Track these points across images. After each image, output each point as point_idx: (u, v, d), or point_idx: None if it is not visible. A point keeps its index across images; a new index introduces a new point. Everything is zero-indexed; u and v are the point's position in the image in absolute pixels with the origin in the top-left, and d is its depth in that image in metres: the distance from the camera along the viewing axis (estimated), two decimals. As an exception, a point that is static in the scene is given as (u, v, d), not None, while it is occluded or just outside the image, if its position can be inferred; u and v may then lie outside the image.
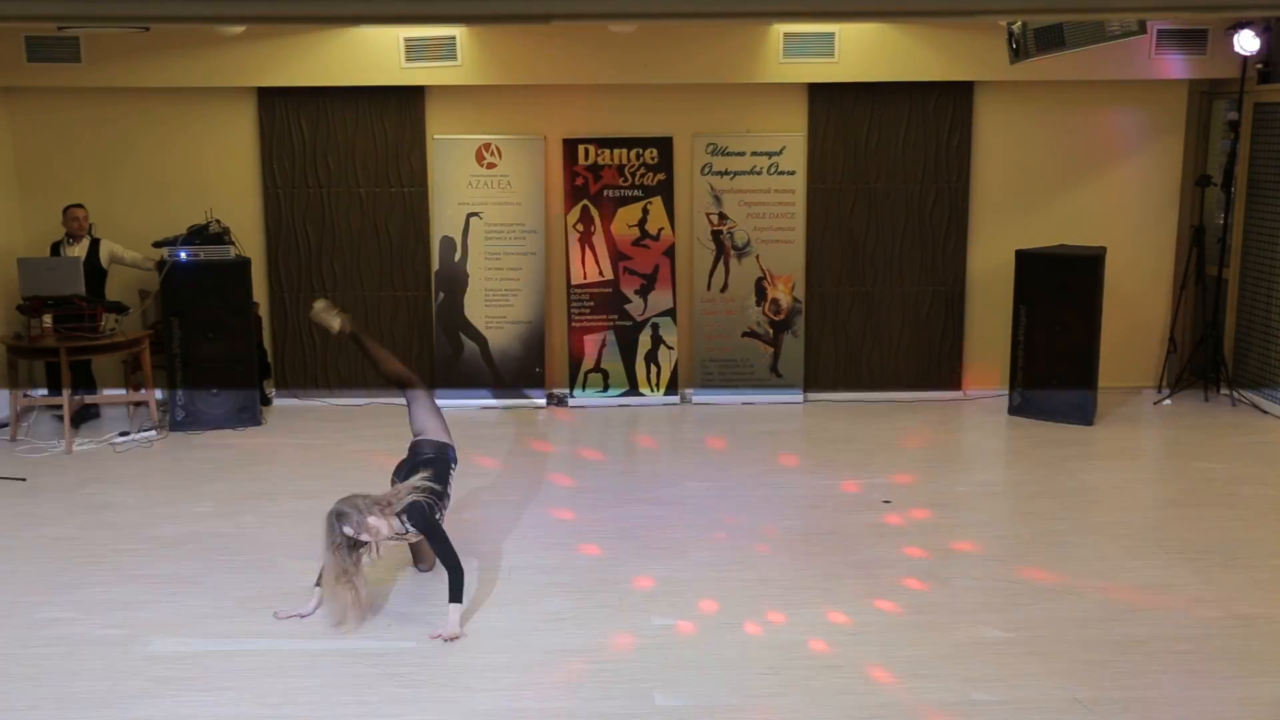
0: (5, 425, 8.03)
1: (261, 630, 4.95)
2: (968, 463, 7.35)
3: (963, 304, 9.00)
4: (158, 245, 8.19)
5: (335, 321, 5.63)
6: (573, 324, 8.86)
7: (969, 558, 5.73)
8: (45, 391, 8.44)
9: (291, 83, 8.43)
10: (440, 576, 5.10)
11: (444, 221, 8.80)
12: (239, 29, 7.94)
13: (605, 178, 8.76)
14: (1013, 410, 8.40)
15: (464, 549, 5.82)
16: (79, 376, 8.40)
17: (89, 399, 8.38)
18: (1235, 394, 8.58)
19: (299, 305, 8.89)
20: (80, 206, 8.26)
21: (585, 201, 8.80)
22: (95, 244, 8.29)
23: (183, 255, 8.07)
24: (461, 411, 8.71)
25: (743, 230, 8.82)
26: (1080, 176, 8.92)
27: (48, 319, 7.77)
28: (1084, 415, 8.12)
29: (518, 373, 8.85)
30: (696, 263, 8.87)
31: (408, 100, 8.66)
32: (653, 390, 8.90)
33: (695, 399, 8.92)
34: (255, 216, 8.79)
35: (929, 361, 9.05)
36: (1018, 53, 6.77)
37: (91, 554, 5.84)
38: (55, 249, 8.25)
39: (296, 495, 6.71)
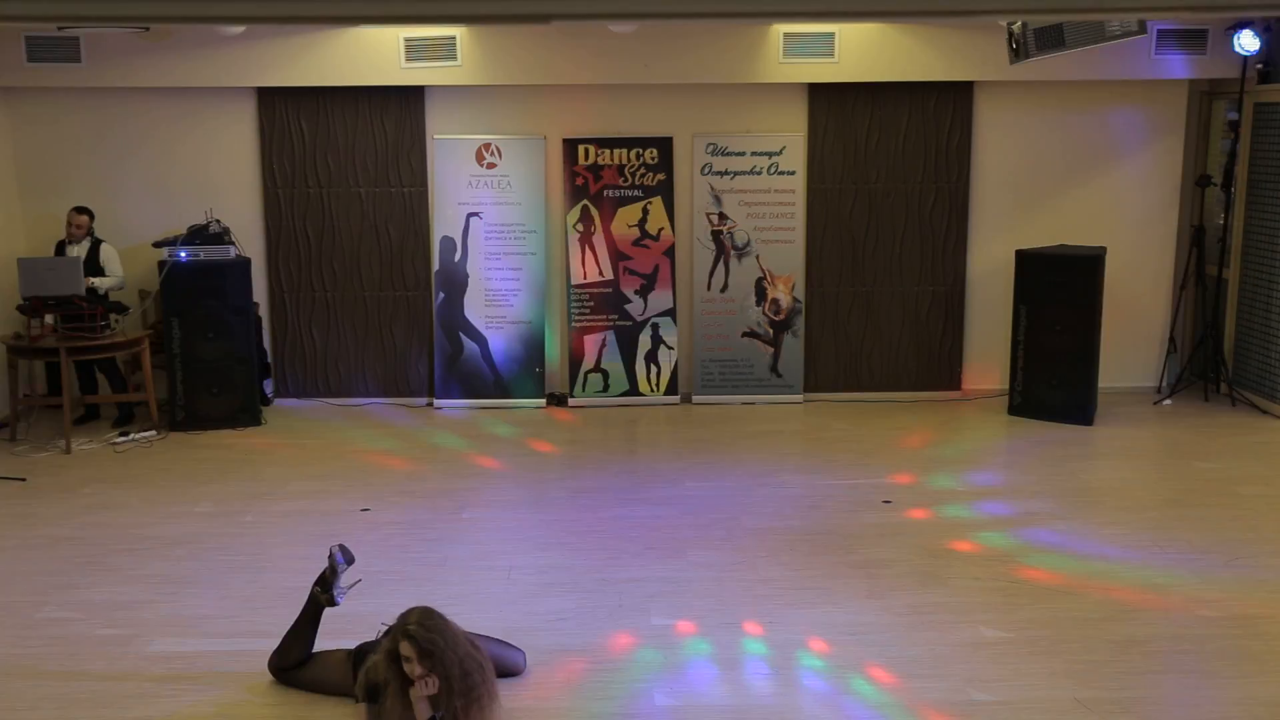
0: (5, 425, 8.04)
1: (261, 630, 4.95)
2: (968, 463, 7.34)
3: (963, 304, 8.99)
4: (158, 245, 8.19)
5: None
6: (573, 324, 8.87)
7: (969, 558, 5.73)
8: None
9: (291, 83, 8.42)
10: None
11: (444, 221, 8.80)
12: (239, 29, 7.94)
13: (605, 178, 8.76)
14: (1013, 410, 8.40)
15: (464, 548, 5.86)
16: (85, 377, 8.41)
17: (89, 399, 8.39)
18: (1235, 394, 8.58)
19: (299, 305, 8.89)
20: (82, 213, 8.17)
21: (585, 201, 8.79)
22: (96, 245, 8.27)
23: (183, 255, 8.07)
24: (462, 412, 8.74)
25: (743, 230, 8.82)
26: (1080, 176, 8.92)
27: (49, 319, 7.76)
28: (1084, 415, 8.12)
29: (518, 373, 8.85)
30: (696, 263, 8.86)
31: (408, 100, 8.66)
32: (653, 390, 8.90)
33: (695, 399, 8.92)
34: (255, 216, 8.79)
35: (929, 361, 9.04)
36: (1018, 53, 6.77)
37: (91, 554, 5.84)
38: (60, 248, 8.23)
39: (296, 495, 6.71)
